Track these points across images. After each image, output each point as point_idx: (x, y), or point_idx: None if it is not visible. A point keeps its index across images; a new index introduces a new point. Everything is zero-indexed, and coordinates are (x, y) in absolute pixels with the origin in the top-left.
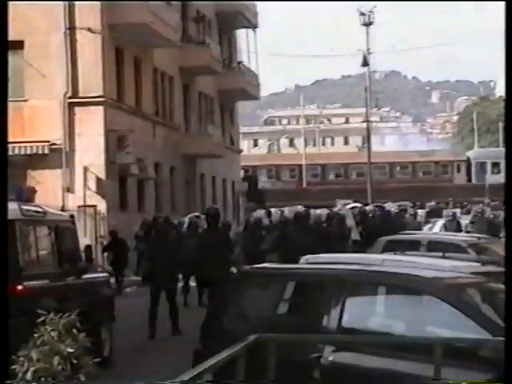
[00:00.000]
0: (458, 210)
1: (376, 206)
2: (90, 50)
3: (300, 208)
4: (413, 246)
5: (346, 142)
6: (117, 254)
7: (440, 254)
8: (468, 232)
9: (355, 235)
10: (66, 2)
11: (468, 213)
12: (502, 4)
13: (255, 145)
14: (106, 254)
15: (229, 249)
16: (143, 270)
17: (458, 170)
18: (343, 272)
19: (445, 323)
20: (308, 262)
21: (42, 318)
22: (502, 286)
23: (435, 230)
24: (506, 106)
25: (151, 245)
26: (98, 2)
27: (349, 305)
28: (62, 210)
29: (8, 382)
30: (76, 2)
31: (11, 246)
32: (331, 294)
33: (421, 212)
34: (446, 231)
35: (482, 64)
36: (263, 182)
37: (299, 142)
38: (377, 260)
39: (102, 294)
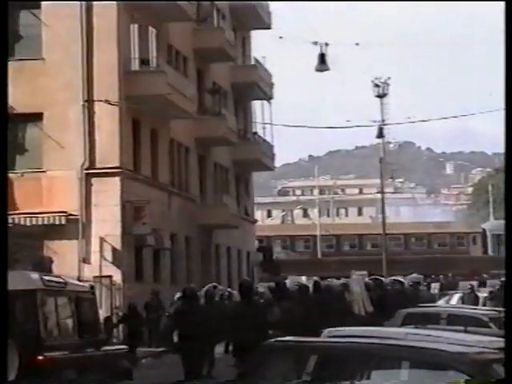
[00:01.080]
0: (475, 283)
1: (394, 280)
2: (108, 121)
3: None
4: (433, 319)
5: (360, 213)
6: (132, 325)
7: (460, 327)
8: (485, 305)
9: (368, 307)
10: (85, 76)
11: (485, 285)
12: None
13: (269, 215)
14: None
15: (263, 319)
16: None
17: (474, 242)
18: (367, 346)
19: None
20: (331, 334)
21: None
22: None
23: (452, 302)
24: (506, 108)
25: (186, 315)
26: (116, 76)
27: (373, 379)
28: (78, 280)
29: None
30: (95, 75)
31: (32, 315)
32: (355, 368)
33: (434, 285)
34: (463, 304)
35: (496, 136)
36: (278, 252)
37: (313, 212)
38: (400, 334)
39: (121, 366)
